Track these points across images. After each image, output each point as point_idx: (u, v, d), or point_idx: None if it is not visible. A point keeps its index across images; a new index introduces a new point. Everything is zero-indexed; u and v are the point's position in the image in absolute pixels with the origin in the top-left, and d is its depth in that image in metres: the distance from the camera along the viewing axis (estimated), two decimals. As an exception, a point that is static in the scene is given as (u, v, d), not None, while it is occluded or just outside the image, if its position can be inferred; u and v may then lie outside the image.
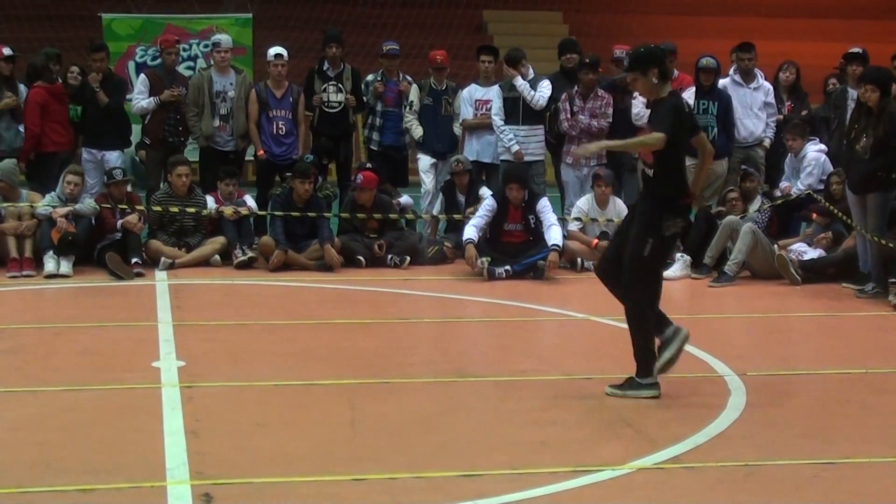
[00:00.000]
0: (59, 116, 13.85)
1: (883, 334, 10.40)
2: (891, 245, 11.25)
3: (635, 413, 7.49)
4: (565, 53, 14.57)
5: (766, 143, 14.24)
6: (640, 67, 7.86)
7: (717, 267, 12.73)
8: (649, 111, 8.17)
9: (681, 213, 7.92)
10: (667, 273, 12.59)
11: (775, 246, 12.75)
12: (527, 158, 13.93)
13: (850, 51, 14.28)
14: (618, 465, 6.43)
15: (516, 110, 13.96)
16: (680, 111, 7.96)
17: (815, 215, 13.21)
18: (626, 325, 8.87)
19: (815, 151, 13.53)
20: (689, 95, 13.33)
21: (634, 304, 7.88)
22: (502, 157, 14.07)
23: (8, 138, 13.67)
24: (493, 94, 14.10)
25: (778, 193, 13.70)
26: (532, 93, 13.83)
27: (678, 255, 12.91)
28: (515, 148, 13.88)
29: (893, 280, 11.44)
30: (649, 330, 7.88)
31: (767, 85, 14.39)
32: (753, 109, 14.16)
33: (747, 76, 14.22)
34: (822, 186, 13.16)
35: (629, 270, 7.83)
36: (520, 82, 13.89)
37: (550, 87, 13.99)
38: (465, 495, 5.89)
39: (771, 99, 14.31)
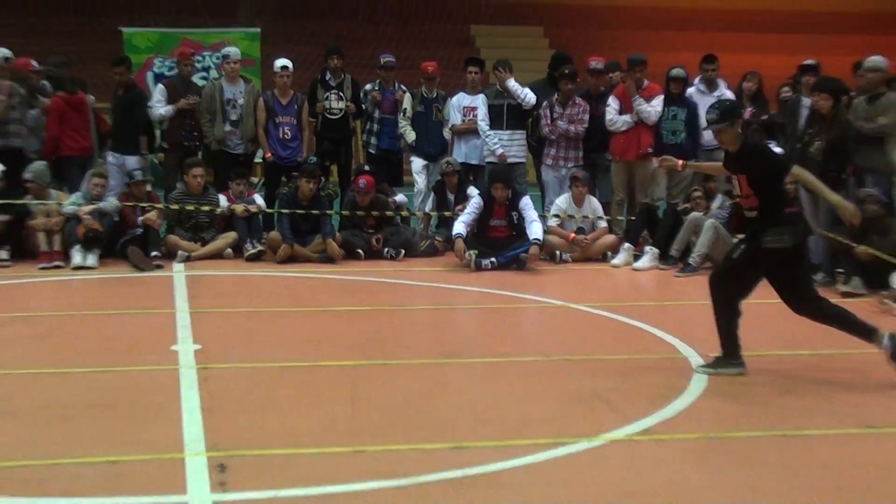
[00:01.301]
0: (75, 124, 13.87)
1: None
2: (838, 239, 11.31)
3: (609, 390, 7.52)
4: (560, 65, 14.53)
5: (728, 146, 14.24)
6: (727, 119, 7.79)
7: (683, 259, 12.77)
8: (738, 160, 7.92)
9: (787, 224, 7.78)
10: (637, 264, 12.76)
11: (735, 239, 12.77)
12: (510, 160, 13.97)
13: (805, 62, 14.31)
14: (593, 437, 6.46)
15: (500, 116, 14.01)
16: (762, 148, 8.08)
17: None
18: (599, 312, 8.97)
19: (772, 154, 13.55)
20: (658, 103, 13.41)
21: (715, 295, 8.01)
22: (488, 160, 14.12)
23: (38, 143, 13.69)
24: (479, 101, 14.13)
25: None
26: (524, 90, 13.90)
27: (647, 247, 12.98)
28: (500, 151, 13.93)
29: (841, 270, 11.51)
30: (732, 318, 7.99)
31: (729, 93, 14.42)
32: (716, 115, 14.16)
33: (711, 85, 14.26)
34: (778, 186, 13.17)
35: (721, 266, 8.12)
36: (512, 83, 13.96)
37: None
38: (454, 465, 5.92)
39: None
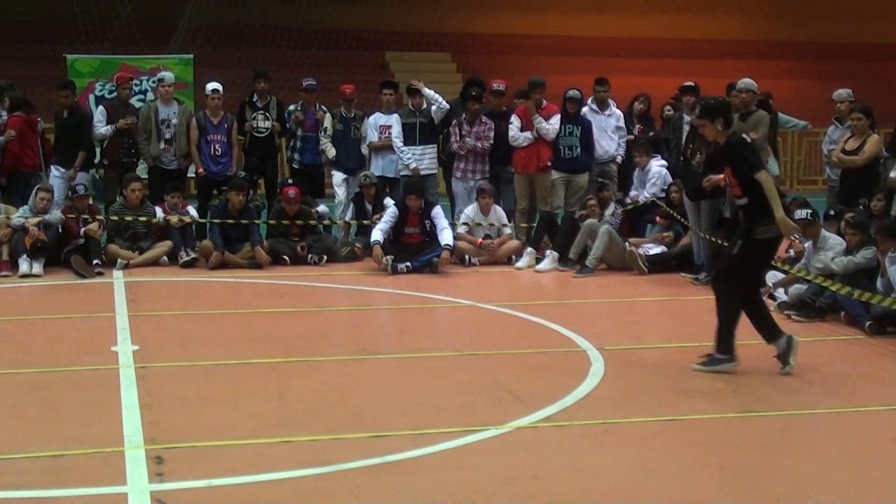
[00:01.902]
0: (31, 142, 13.69)
1: (712, 314, 10.48)
2: (719, 241, 11.42)
3: (514, 381, 7.52)
4: (473, 87, 14.48)
5: (619, 159, 14.37)
6: (708, 116, 7.79)
7: (580, 261, 12.82)
8: (719, 153, 8.07)
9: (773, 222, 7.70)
10: (538, 266, 12.78)
11: (627, 243, 12.88)
12: (423, 173, 13.94)
13: (685, 84, 14.43)
14: (500, 424, 6.46)
15: (413, 133, 13.97)
16: (753, 146, 8.03)
17: (658, 218, 13.37)
18: (505, 310, 8.96)
19: (658, 166, 13.70)
20: (555, 122, 13.47)
21: (722, 294, 7.90)
22: (402, 173, 14.06)
23: None
24: (393, 120, 14.08)
25: (628, 201, 13.84)
26: (439, 99, 13.86)
27: (547, 251, 13.01)
28: (413, 165, 13.89)
29: (721, 270, 11.61)
30: (733, 320, 7.86)
31: (619, 112, 14.55)
32: (608, 132, 14.30)
33: (602, 105, 14.35)
34: (663, 194, 13.32)
35: (720, 266, 8.07)
36: (428, 91, 13.95)
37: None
38: (374, 453, 5.88)
39: (622, 123, 14.47)
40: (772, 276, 10.77)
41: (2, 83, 14.43)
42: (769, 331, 7.96)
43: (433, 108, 13.99)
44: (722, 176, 8.89)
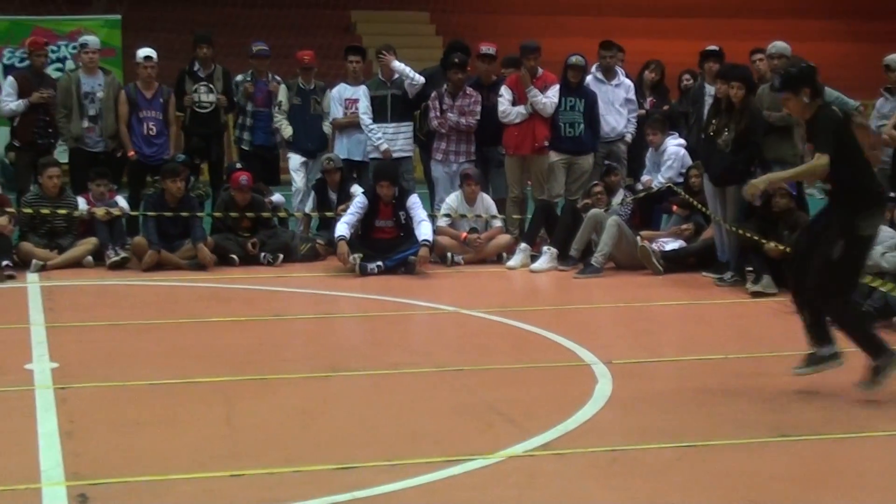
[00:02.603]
0: None
1: (741, 321, 10.60)
2: (748, 235, 11.47)
3: (505, 402, 7.54)
4: (455, 53, 14.54)
5: (628, 138, 14.43)
6: (791, 88, 7.66)
7: (583, 259, 12.86)
8: (809, 128, 7.79)
9: (878, 207, 7.67)
10: (534, 266, 12.81)
11: (638, 237, 12.91)
12: (396, 155, 13.96)
13: (707, 48, 14.50)
14: (489, 453, 6.47)
15: (384, 108, 13.99)
16: (839, 124, 7.70)
17: (675, 207, 13.40)
18: (494, 318, 8.97)
19: (674, 146, 13.73)
20: (553, 94, 13.48)
21: (832, 310, 7.70)
22: (371, 156, 14.09)
23: None
24: (360, 93, 14.09)
25: (640, 187, 13.88)
26: (411, 71, 13.90)
27: (545, 247, 13.05)
28: (384, 146, 13.91)
29: (750, 268, 11.67)
30: (859, 322, 7.78)
31: (628, 82, 14.59)
32: (615, 106, 14.34)
33: (608, 73, 14.40)
34: (681, 179, 13.35)
35: (818, 278, 7.58)
36: (398, 64, 14.00)
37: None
38: (341, 488, 5.89)
39: (632, 95, 14.51)
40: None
41: None
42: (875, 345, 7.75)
43: (406, 82, 14.02)
44: (762, 185, 8.13)
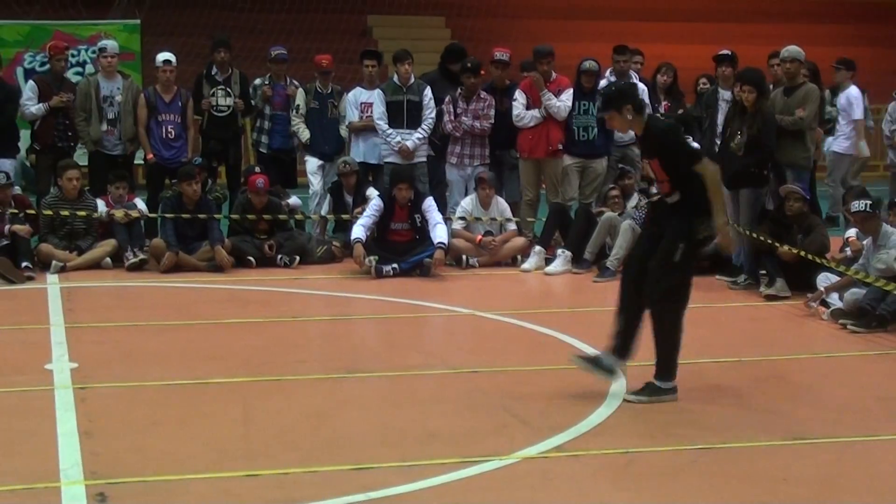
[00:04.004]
0: None
1: (755, 324, 10.57)
2: (762, 238, 11.44)
3: (520, 404, 7.53)
4: (454, 57, 14.57)
5: (642, 142, 14.38)
6: (613, 107, 7.73)
7: (597, 262, 12.83)
8: (646, 142, 7.87)
9: (708, 218, 7.70)
10: (548, 268, 12.77)
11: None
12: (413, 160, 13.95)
13: (721, 52, 14.48)
14: (504, 454, 6.47)
15: (400, 114, 13.94)
16: (680, 130, 7.94)
17: (689, 210, 13.34)
18: (509, 320, 8.96)
19: (688, 149, 13.68)
20: (567, 97, 13.47)
21: (666, 312, 7.68)
22: (387, 159, 14.06)
23: None
24: (377, 97, 14.07)
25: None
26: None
27: (559, 250, 13.02)
28: (408, 142, 13.80)
29: (764, 272, 11.65)
30: (678, 337, 7.74)
31: (642, 86, 14.53)
32: (629, 109, 14.28)
33: (623, 77, 14.36)
34: (695, 183, 13.30)
35: (663, 278, 7.59)
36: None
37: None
38: (355, 488, 5.89)
39: (645, 99, 14.47)
40: (824, 279, 10.79)
41: None
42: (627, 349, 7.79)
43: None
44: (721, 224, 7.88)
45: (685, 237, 7.60)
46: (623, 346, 7.76)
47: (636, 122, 7.80)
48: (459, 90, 13.97)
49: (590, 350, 8.56)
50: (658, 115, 14.53)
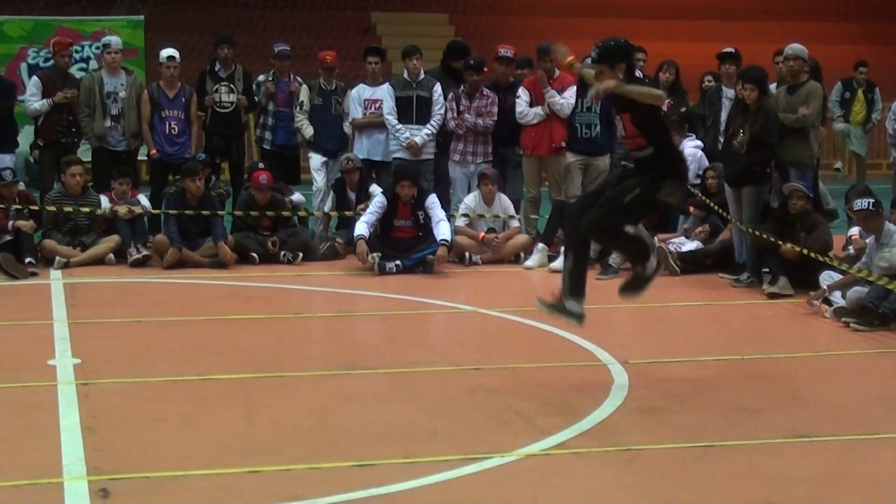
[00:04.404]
0: None
1: (757, 322, 10.57)
2: (765, 236, 11.44)
3: (522, 401, 7.53)
4: (456, 54, 14.57)
5: (645, 139, 14.37)
6: (608, 60, 7.72)
7: (599, 259, 12.80)
8: (618, 97, 7.85)
9: (682, 180, 7.98)
10: (552, 265, 12.76)
11: (655, 238, 12.84)
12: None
13: (724, 50, 14.47)
14: (506, 451, 6.47)
15: (409, 109, 13.94)
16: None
17: (692, 208, 13.38)
18: (512, 317, 8.96)
19: (691, 147, 13.72)
20: (570, 95, 13.45)
21: (591, 234, 7.92)
22: (395, 155, 14.05)
23: None
24: (385, 93, 14.06)
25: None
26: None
27: (562, 247, 12.97)
28: (416, 138, 13.80)
29: (767, 270, 11.65)
30: (618, 233, 7.88)
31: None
32: (633, 107, 14.28)
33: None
34: (698, 181, 13.34)
35: (601, 210, 7.72)
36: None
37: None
38: (358, 485, 5.89)
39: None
40: (827, 277, 10.79)
41: None
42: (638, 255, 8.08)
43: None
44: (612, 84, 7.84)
45: (645, 187, 7.70)
46: (576, 284, 7.90)
47: (622, 84, 7.72)
48: (462, 87, 13.97)
49: (584, 343, 8.60)
50: (661, 112, 14.56)
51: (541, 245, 13.20)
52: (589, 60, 8.41)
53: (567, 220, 8.03)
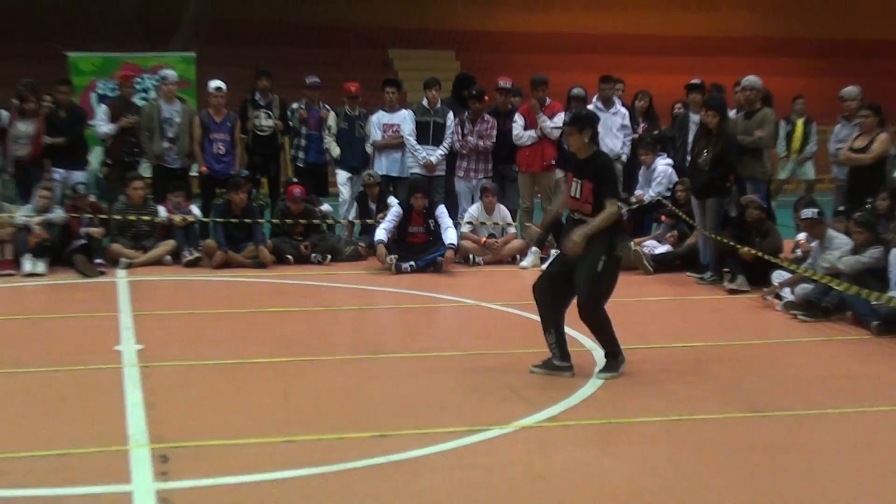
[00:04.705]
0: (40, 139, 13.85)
1: (719, 314, 10.57)
2: (725, 241, 11.45)
3: (519, 381, 7.55)
4: (463, 85, 14.57)
5: (624, 158, 14.37)
6: (577, 125, 7.74)
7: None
8: (588, 166, 7.75)
9: (625, 233, 8.08)
10: (544, 266, 12.72)
11: (632, 243, 12.88)
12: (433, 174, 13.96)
13: (691, 82, 14.46)
14: (505, 424, 6.49)
15: (427, 133, 13.97)
16: (614, 168, 8.16)
17: (663, 217, 13.39)
18: (510, 310, 8.97)
19: (663, 165, 13.72)
20: (559, 120, 13.46)
21: (594, 314, 7.75)
22: (412, 171, 14.05)
23: None
24: (406, 117, 14.06)
25: (633, 200, 13.85)
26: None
27: (552, 251, 12.97)
28: (432, 158, 13.82)
29: (727, 269, 11.65)
30: (607, 327, 7.79)
31: (624, 110, 14.55)
32: (613, 130, 14.29)
33: (607, 103, 14.35)
34: (669, 193, 13.34)
35: (587, 287, 7.63)
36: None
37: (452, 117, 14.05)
38: (378, 452, 5.92)
39: (627, 122, 14.46)
40: (778, 276, 10.81)
41: (24, 81, 14.56)
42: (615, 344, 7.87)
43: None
44: (582, 233, 7.75)
45: (607, 252, 7.62)
46: (563, 350, 7.84)
47: (586, 147, 7.78)
48: (466, 113, 13.99)
49: (571, 332, 8.61)
50: (636, 135, 14.57)
51: (534, 248, 13.20)
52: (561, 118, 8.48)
53: (536, 291, 7.95)
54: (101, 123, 14.16)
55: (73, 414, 6.73)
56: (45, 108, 14.12)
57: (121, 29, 23.64)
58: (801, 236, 11.46)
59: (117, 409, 6.76)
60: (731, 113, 12.68)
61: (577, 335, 8.87)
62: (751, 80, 12.49)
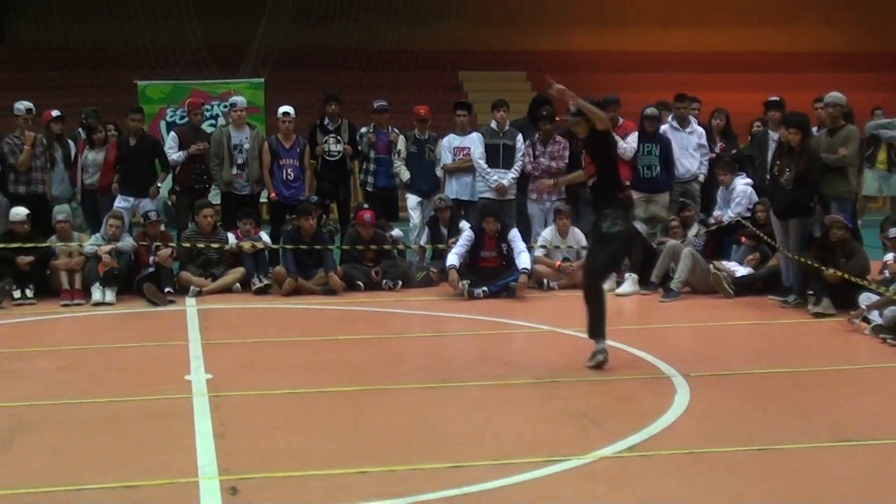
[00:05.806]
0: (111, 167, 14.21)
1: (803, 338, 10.38)
2: (809, 262, 11.26)
3: (596, 410, 7.46)
4: (539, 106, 14.53)
5: (701, 178, 14.26)
6: (581, 114, 8.03)
7: (662, 284, 12.70)
8: (588, 140, 8.91)
9: (621, 207, 8.63)
10: (619, 290, 12.65)
11: (711, 265, 12.73)
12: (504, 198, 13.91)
13: (770, 99, 14.31)
14: (583, 454, 6.40)
15: (496, 156, 13.96)
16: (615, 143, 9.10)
17: (743, 238, 13.22)
18: (585, 337, 8.88)
19: (742, 184, 13.56)
20: (632, 140, 13.39)
21: (598, 289, 8.72)
22: (483, 195, 14.03)
23: (63, 187, 13.98)
24: (476, 140, 14.06)
25: (712, 221, 13.71)
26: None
27: (627, 274, 12.88)
28: (504, 181, 13.82)
29: (811, 292, 11.46)
30: (603, 307, 8.69)
31: (700, 129, 14.43)
32: (689, 150, 14.19)
33: (683, 122, 14.25)
34: (749, 214, 13.18)
35: (604, 259, 8.70)
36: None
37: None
38: (452, 484, 5.85)
39: (704, 141, 14.34)
40: (865, 298, 10.58)
41: (88, 110, 14.80)
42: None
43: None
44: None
45: (621, 224, 8.55)
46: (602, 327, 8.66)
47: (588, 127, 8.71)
48: (538, 135, 13.94)
49: (650, 358, 8.54)
50: (713, 154, 14.42)
51: (633, 275, 12.92)
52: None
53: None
54: (171, 151, 14.36)
55: (142, 444, 6.75)
56: (111, 136, 14.38)
57: (190, 56, 23.94)
58: (889, 256, 11.23)
59: (187, 439, 6.77)
60: (814, 130, 12.51)
61: (657, 361, 8.77)
62: (834, 96, 12.31)
